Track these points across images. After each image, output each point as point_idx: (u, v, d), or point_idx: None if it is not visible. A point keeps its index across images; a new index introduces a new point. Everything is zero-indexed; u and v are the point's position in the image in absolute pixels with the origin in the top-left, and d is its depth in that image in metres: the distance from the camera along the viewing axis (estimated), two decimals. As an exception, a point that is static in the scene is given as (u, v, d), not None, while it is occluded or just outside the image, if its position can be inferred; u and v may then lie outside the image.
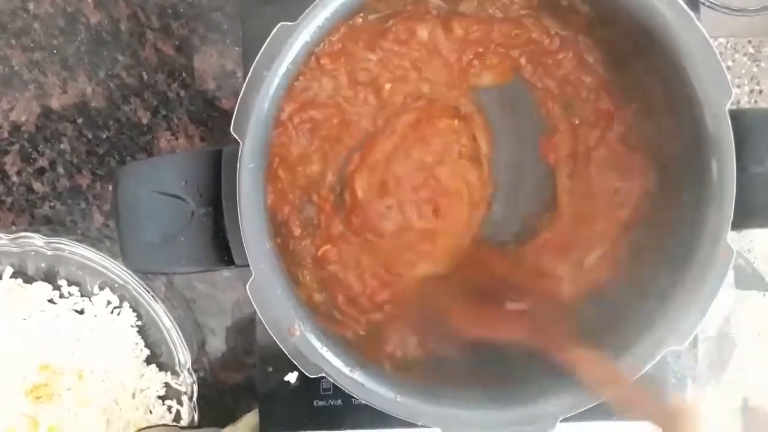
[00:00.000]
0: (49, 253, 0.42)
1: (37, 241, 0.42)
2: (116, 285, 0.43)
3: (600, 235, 0.37)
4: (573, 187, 0.37)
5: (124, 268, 0.42)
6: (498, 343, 0.33)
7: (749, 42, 0.54)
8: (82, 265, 0.43)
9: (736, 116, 0.29)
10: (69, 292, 0.43)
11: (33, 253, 0.43)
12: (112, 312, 0.43)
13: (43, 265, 0.44)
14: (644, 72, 0.34)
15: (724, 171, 0.29)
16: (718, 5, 0.42)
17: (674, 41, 0.29)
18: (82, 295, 0.43)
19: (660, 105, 0.33)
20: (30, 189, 0.45)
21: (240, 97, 0.29)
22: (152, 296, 0.42)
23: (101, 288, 0.43)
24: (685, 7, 0.29)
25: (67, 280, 0.43)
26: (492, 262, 0.38)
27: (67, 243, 0.42)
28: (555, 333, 0.32)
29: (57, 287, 0.43)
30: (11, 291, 0.42)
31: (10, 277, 0.43)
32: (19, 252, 0.43)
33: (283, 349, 0.30)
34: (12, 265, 0.43)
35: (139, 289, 0.43)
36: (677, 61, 0.30)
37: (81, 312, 0.43)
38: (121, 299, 0.44)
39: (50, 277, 0.44)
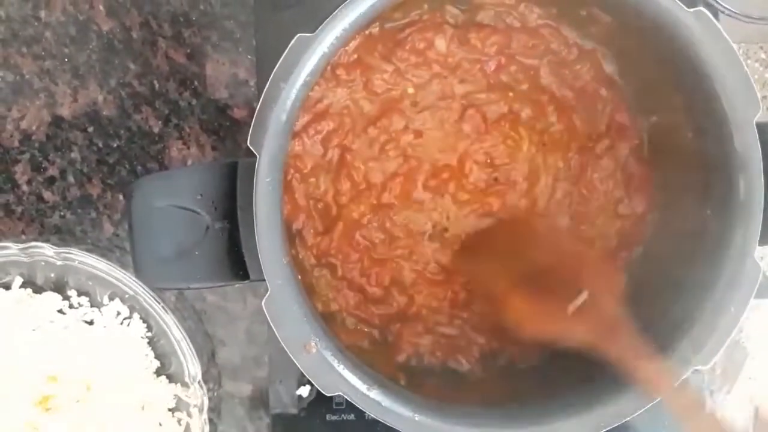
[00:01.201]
0: (58, 263, 0.42)
1: (47, 250, 0.41)
2: (126, 296, 0.43)
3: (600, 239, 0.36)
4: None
5: (135, 279, 0.42)
6: (553, 346, 0.31)
7: (761, 48, 0.53)
8: (91, 275, 0.42)
9: (763, 129, 0.29)
10: (78, 303, 0.43)
11: (43, 263, 0.42)
12: (121, 323, 0.43)
13: (52, 275, 0.43)
14: (666, 84, 0.33)
15: (751, 186, 0.28)
16: (738, 14, 0.42)
17: (699, 52, 0.29)
18: (91, 306, 0.43)
19: (682, 118, 0.33)
20: (40, 198, 0.45)
21: (257, 109, 0.28)
22: (162, 307, 0.42)
23: (111, 298, 0.43)
24: (712, 18, 0.28)
25: (77, 291, 0.43)
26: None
27: (77, 253, 0.41)
28: (621, 338, 0.30)
29: (66, 297, 0.42)
30: (20, 301, 0.42)
31: (20, 287, 0.42)
32: (29, 262, 0.42)
33: (299, 367, 0.29)
34: (21, 275, 0.42)
35: (149, 300, 0.42)
36: (702, 72, 0.29)
37: (90, 323, 0.42)
38: (131, 310, 0.43)
39: (60, 288, 0.43)
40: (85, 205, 0.45)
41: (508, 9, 0.36)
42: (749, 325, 0.49)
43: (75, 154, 0.45)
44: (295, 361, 0.29)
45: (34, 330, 0.42)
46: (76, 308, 0.42)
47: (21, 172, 0.45)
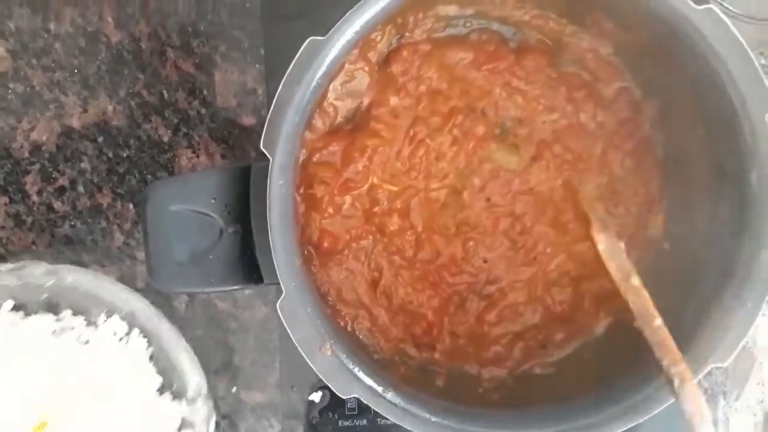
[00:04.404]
0: (49, 282, 0.40)
1: (37, 269, 0.39)
2: (124, 312, 0.40)
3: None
4: None
5: (132, 292, 0.40)
6: None
7: (761, 54, 0.54)
8: (86, 293, 0.40)
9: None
10: (73, 324, 0.40)
11: (33, 283, 0.40)
12: (120, 340, 0.40)
13: (45, 295, 0.40)
14: (675, 82, 0.33)
15: (764, 179, 0.28)
16: (743, 16, 0.42)
17: (709, 49, 0.29)
18: (87, 325, 0.40)
19: (692, 115, 0.33)
20: (50, 208, 0.45)
21: (270, 112, 0.28)
22: (161, 320, 0.40)
23: (108, 316, 0.40)
24: (722, 15, 0.28)
25: (72, 310, 0.40)
26: None
27: (69, 270, 0.39)
28: None
29: (60, 318, 0.40)
30: (13, 324, 0.39)
31: (11, 311, 0.40)
32: (19, 284, 0.40)
33: (314, 369, 0.29)
34: (13, 298, 0.40)
35: (148, 313, 0.40)
36: (712, 69, 0.29)
37: (87, 343, 0.40)
38: (130, 326, 0.41)
39: (53, 308, 0.40)
40: (96, 214, 0.45)
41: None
42: (757, 331, 0.49)
43: (85, 164, 0.45)
44: (311, 364, 0.29)
45: (27, 354, 0.39)
46: (72, 329, 0.40)
47: (31, 183, 0.45)
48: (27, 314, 0.40)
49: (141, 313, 0.40)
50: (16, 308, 0.40)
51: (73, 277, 0.40)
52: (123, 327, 0.40)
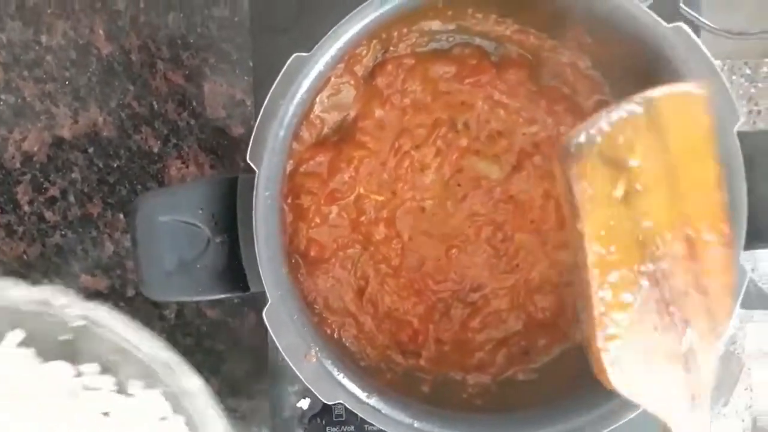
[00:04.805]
0: (78, 323, 0.28)
1: (60, 300, 0.28)
2: (168, 389, 0.28)
3: None
4: None
5: (189, 368, 0.29)
6: None
7: (745, 63, 0.55)
8: (120, 349, 0.28)
9: (744, 138, 0.30)
10: (99, 384, 0.29)
11: (55, 315, 0.28)
12: (153, 425, 0.29)
13: (66, 336, 0.28)
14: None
15: (735, 193, 0.29)
16: (718, 29, 0.43)
17: (680, 66, 0.30)
18: (119, 391, 0.29)
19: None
20: (41, 218, 0.45)
21: (256, 126, 0.29)
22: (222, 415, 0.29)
23: (147, 386, 0.29)
24: (691, 33, 0.29)
25: (100, 366, 0.29)
26: None
27: (106, 313, 0.28)
28: None
29: (80, 373, 0.29)
30: (29, 367, 0.28)
31: (19, 345, 0.28)
32: (37, 313, 0.28)
33: (300, 376, 0.30)
34: (23, 329, 0.28)
35: (202, 399, 0.29)
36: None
37: (106, 415, 0.28)
38: (175, 409, 0.29)
39: (70, 355, 0.29)
40: (86, 224, 0.45)
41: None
42: (744, 336, 0.50)
43: (76, 175, 0.45)
44: (296, 370, 0.29)
45: (30, 419, 0.27)
46: (94, 392, 0.29)
47: (22, 193, 0.45)
48: (40, 356, 0.29)
49: (188, 400, 0.29)
50: (26, 343, 0.28)
51: (110, 324, 0.28)
52: (164, 408, 0.29)
